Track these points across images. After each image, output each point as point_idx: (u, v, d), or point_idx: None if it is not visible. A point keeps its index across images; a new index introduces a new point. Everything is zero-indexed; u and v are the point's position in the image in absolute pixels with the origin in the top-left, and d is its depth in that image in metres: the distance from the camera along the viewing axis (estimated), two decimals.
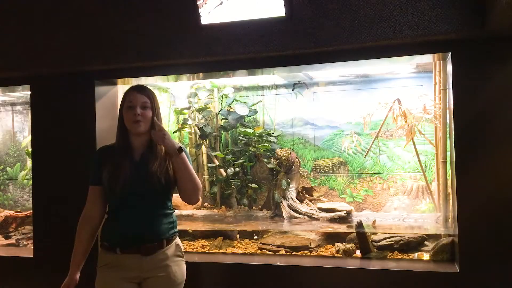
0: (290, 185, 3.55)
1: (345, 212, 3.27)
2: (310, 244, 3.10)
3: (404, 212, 3.36)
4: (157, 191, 1.94)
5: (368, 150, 3.49)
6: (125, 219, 1.93)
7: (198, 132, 3.81)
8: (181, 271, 2.01)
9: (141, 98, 1.96)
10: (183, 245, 3.24)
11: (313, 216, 3.36)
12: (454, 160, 2.56)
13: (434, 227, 3.08)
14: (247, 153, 3.68)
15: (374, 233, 3.07)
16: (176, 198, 2.10)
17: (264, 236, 3.37)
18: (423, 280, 2.54)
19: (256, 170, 3.75)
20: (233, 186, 3.68)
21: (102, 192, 2.00)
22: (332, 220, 3.28)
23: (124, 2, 2.87)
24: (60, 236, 3.09)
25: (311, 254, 3.04)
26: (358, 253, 2.96)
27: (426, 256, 2.86)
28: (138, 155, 1.99)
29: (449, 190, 2.93)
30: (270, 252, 3.10)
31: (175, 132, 3.94)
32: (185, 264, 2.05)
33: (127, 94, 2.00)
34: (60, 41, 2.99)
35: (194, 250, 3.21)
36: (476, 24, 2.31)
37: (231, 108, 3.76)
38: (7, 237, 3.79)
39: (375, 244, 2.99)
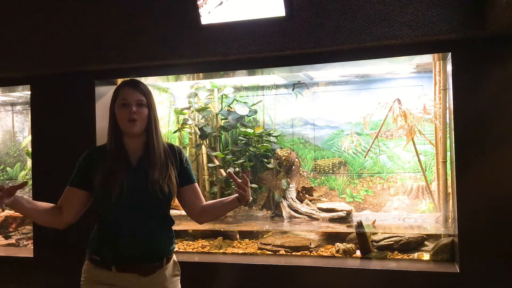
0: (290, 185, 3.55)
1: (345, 212, 3.27)
2: (310, 244, 3.10)
3: (404, 212, 3.36)
4: (159, 201, 1.73)
5: (368, 150, 3.49)
6: (122, 234, 1.71)
7: (198, 132, 3.81)
8: None
9: (136, 95, 1.73)
10: (183, 245, 3.27)
11: (313, 216, 3.36)
12: (454, 160, 2.56)
13: (434, 227, 3.08)
14: (247, 153, 3.68)
15: (374, 233, 3.07)
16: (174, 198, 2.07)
17: (264, 236, 3.37)
18: (423, 280, 2.54)
19: (257, 169, 3.75)
20: (233, 186, 3.68)
21: (79, 197, 1.78)
22: (332, 220, 3.28)
23: (124, 2, 2.87)
24: (60, 236, 3.09)
25: (311, 254, 3.04)
26: (358, 253, 2.96)
27: (426, 256, 2.86)
28: (135, 159, 1.77)
29: (449, 190, 2.93)
30: (270, 252, 3.10)
31: (175, 132, 3.94)
32: (179, 282, 1.88)
33: (119, 90, 1.76)
34: (60, 41, 2.99)
35: (194, 250, 3.21)
36: (476, 24, 2.32)
37: (231, 108, 3.76)
38: (7, 237, 3.79)
39: (375, 244, 2.99)
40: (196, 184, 1.91)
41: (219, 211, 1.90)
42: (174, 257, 1.85)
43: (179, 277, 1.85)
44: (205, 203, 1.90)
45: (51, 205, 1.79)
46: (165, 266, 1.76)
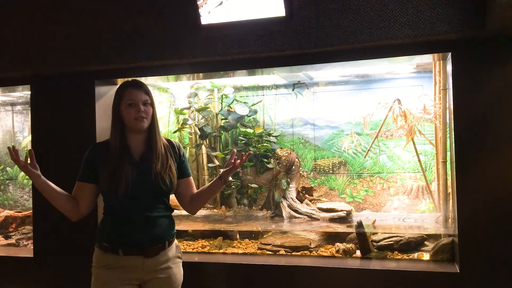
0: (290, 185, 3.55)
1: (345, 212, 3.27)
2: (310, 244, 3.10)
3: (404, 212, 3.36)
4: (161, 191, 1.91)
5: (368, 150, 3.49)
6: (128, 222, 1.88)
7: (198, 132, 3.81)
8: (180, 273, 1.99)
9: (141, 95, 1.90)
10: (183, 245, 3.27)
11: (313, 216, 3.36)
12: (454, 160, 2.56)
13: (434, 227, 3.08)
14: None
15: (374, 233, 3.07)
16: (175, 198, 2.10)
17: (264, 236, 3.37)
18: (423, 280, 2.54)
19: (257, 171, 3.75)
20: (233, 186, 3.68)
21: (90, 190, 1.93)
22: (332, 220, 3.28)
23: (124, 2, 2.87)
24: (60, 236, 3.09)
25: (311, 254, 3.04)
26: (358, 253, 2.97)
27: (426, 256, 2.86)
28: (138, 154, 1.92)
29: (449, 190, 2.93)
30: (270, 252, 3.10)
31: (175, 132, 3.95)
32: (181, 265, 2.03)
33: (124, 91, 1.92)
34: (60, 41, 2.99)
35: (194, 250, 3.21)
36: (476, 24, 2.32)
37: (231, 108, 3.76)
38: (7, 237, 3.79)
39: (375, 244, 2.99)
40: (191, 177, 2.07)
41: (205, 195, 2.04)
42: (176, 241, 2.02)
43: (181, 260, 2.02)
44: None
45: (70, 194, 1.95)
46: (167, 248, 1.93)
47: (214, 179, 2.01)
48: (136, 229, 1.87)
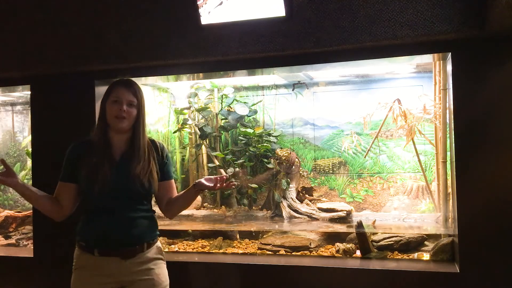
0: (290, 185, 3.55)
1: (345, 212, 3.27)
2: (310, 244, 3.10)
3: (404, 212, 3.36)
4: (139, 194, 1.86)
5: (368, 150, 3.49)
6: (104, 221, 1.84)
7: (198, 132, 3.81)
8: (164, 274, 1.93)
9: (128, 95, 1.85)
10: (183, 245, 3.27)
11: (313, 216, 3.36)
12: (454, 160, 2.56)
13: (434, 227, 3.08)
14: (247, 153, 3.68)
15: (374, 233, 3.07)
16: None
17: (264, 236, 3.37)
18: (423, 280, 2.54)
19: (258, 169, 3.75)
20: (233, 187, 3.67)
21: (72, 190, 1.89)
22: (332, 220, 3.28)
23: (124, 2, 2.87)
24: (60, 236, 3.09)
25: (311, 254, 3.04)
26: (358, 253, 2.96)
27: (426, 256, 2.86)
28: (118, 154, 1.88)
29: (449, 190, 2.93)
30: (270, 252, 3.10)
31: (175, 132, 3.95)
32: (165, 266, 1.97)
33: (112, 88, 1.88)
34: (60, 41, 2.99)
35: (194, 250, 3.21)
36: (476, 24, 2.32)
37: (231, 108, 3.76)
38: (7, 237, 3.79)
39: (375, 244, 2.99)
40: (173, 181, 2.02)
41: (180, 201, 1.98)
42: (159, 243, 1.96)
43: (163, 261, 1.95)
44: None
45: (51, 196, 1.92)
46: (146, 250, 1.87)
47: (189, 186, 1.96)
48: (112, 229, 1.83)
